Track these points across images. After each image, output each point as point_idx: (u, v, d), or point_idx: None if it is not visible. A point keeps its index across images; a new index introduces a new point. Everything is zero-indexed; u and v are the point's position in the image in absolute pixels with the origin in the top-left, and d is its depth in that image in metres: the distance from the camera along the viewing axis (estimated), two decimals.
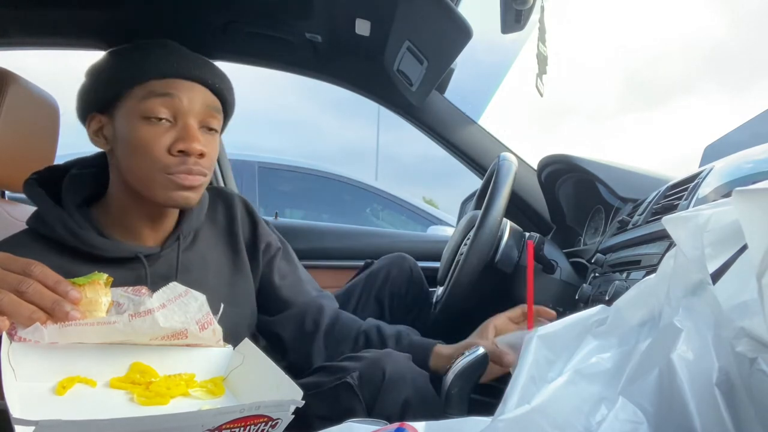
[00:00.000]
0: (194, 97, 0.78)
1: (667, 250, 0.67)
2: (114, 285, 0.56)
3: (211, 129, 0.81)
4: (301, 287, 1.00)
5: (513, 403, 0.40)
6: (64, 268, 0.66)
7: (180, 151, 0.75)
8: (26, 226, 0.79)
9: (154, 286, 0.78)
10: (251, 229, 0.97)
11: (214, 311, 0.56)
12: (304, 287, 1.01)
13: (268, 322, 0.96)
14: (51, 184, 0.79)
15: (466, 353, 0.88)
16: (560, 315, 0.49)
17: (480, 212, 1.11)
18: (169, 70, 0.77)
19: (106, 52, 0.83)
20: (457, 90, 1.54)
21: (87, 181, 0.82)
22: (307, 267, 1.65)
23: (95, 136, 0.80)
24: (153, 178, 0.75)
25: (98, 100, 0.79)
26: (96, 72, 0.80)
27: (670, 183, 0.88)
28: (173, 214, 0.84)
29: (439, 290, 1.29)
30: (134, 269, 0.79)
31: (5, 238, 0.77)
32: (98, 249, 0.76)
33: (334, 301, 1.05)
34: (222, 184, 1.70)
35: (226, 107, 0.86)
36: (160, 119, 0.75)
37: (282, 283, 0.98)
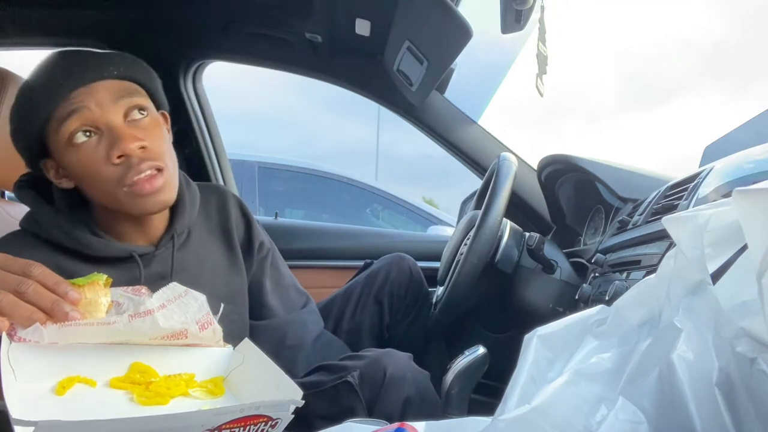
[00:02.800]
0: (100, 97, 0.72)
1: (667, 250, 0.67)
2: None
3: (139, 116, 0.75)
4: (287, 297, 1.01)
5: (513, 403, 0.40)
6: (60, 268, 0.66)
7: (119, 157, 0.71)
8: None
9: (150, 286, 0.78)
10: (246, 228, 0.97)
11: (214, 311, 0.56)
12: (291, 297, 1.01)
13: (250, 325, 0.96)
14: (42, 185, 0.79)
15: (466, 353, 0.88)
16: (560, 315, 0.48)
17: (480, 212, 1.11)
18: (59, 92, 0.71)
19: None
20: (457, 90, 1.54)
21: None
22: (307, 267, 1.67)
23: (58, 180, 0.76)
24: (117, 196, 0.73)
25: (31, 150, 0.76)
26: (10, 128, 0.76)
27: (670, 183, 0.88)
28: (160, 215, 0.82)
29: (439, 290, 1.29)
30: (129, 269, 0.79)
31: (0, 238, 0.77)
32: (92, 249, 0.76)
33: (319, 316, 1.06)
34: (222, 184, 1.70)
35: (144, 82, 0.79)
36: (86, 137, 0.71)
37: (271, 288, 0.98)
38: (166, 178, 0.75)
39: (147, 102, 0.78)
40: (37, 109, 0.72)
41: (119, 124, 0.73)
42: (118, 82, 0.75)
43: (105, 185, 0.72)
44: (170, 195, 0.76)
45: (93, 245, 0.76)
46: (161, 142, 0.77)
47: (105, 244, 0.77)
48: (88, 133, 0.72)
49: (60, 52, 0.76)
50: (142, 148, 0.72)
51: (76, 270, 0.73)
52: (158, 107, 0.82)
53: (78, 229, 0.76)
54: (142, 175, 0.72)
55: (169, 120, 0.86)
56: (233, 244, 0.93)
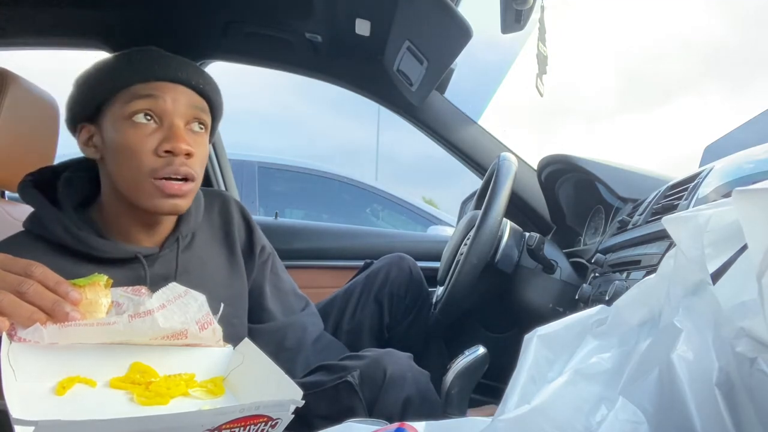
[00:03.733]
0: (178, 98, 0.78)
1: (667, 250, 0.67)
2: (113, 285, 0.56)
3: (198, 130, 0.81)
4: (287, 301, 1.02)
5: (513, 403, 0.40)
6: (63, 269, 0.65)
7: (166, 152, 0.75)
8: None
9: (154, 287, 0.78)
10: (247, 233, 0.98)
11: (214, 312, 0.56)
12: (290, 302, 1.02)
13: (249, 329, 0.96)
14: (46, 186, 0.79)
15: (466, 353, 0.88)
16: (560, 315, 0.48)
17: (480, 212, 1.11)
18: (150, 73, 0.77)
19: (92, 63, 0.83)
20: (457, 90, 1.54)
21: (83, 183, 0.82)
22: (307, 267, 1.67)
23: (85, 146, 0.80)
24: (140, 184, 0.75)
25: (85, 109, 0.79)
26: (81, 81, 0.80)
27: (670, 183, 0.88)
28: (168, 219, 0.84)
29: (439, 290, 1.29)
30: (134, 269, 0.79)
31: (2, 239, 0.77)
32: (97, 250, 0.76)
33: (319, 318, 1.06)
34: (222, 184, 1.70)
35: (213, 109, 0.85)
36: (146, 120, 0.75)
37: (271, 293, 0.99)
38: (192, 190, 0.78)
39: (208, 122, 0.84)
40: (120, 76, 0.77)
41: (180, 125, 0.77)
42: (198, 96, 0.81)
43: (137, 170, 0.75)
44: (186, 205, 0.79)
45: (99, 246, 0.76)
46: (203, 159, 0.81)
47: (111, 246, 0.77)
48: (149, 118, 0.76)
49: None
50: (188, 154, 0.76)
51: (80, 271, 0.73)
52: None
53: (83, 231, 0.76)
54: (176, 176, 0.75)
55: None
56: (235, 249, 0.94)
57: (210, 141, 0.90)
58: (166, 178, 0.75)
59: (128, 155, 0.75)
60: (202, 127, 0.81)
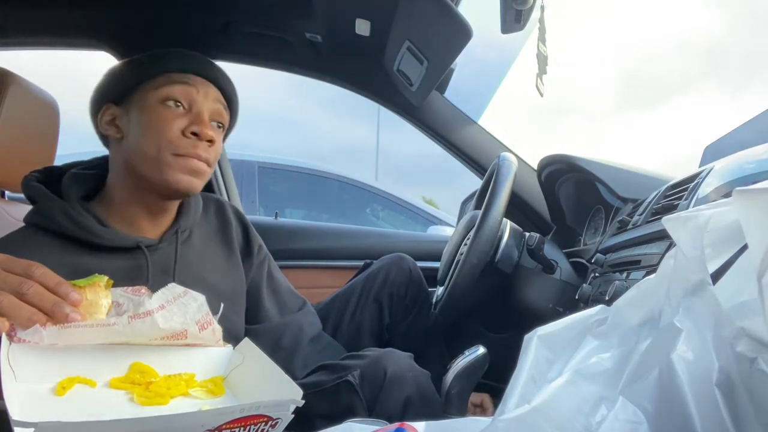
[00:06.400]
0: (208, 92, 0.83)
1: (667, 250, 0.67)
2: (115, 274, 0.56)
3: (219, 126, 0.86)
4: (283, 301, 1.03)
5: (513, 403, 0.40)
6: (65, 261, 0.65)
7: (193, 133, 0.79)
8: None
9: (154, 278, 0.79)
10: (243, 232, 1.00)
11: (213, 310, 0.56)
12: (287, 302, 1.03)
13: (246, 329, 0.96)
14: (49, 183, 0.80)
15: (466, 353, 0.88)
16: (560, 315, 0.48)
17: (480, 212, 1.11)
18: (188, 64, 0.83)
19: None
20: (457, 90, 1.54)
21: (87, 180, 0.83)
22: (307, 267, 1.67)
23: (108, 125, 0.82)
24: (162, 158, 0.78)
25: (116, 91, 0.83)
26: (116, 69, 0.85)
27: (670, 183, 0.88)
28: (172, 210, 0.86)
29: (439, 290, 1.29)
30: (135, 259, 0.80)
31: (3, 236, 0.77)
32: (100, 237, 0.77)
33: (316, 318, 1.07)
34: (222, 184, 1.70)
35: (232, 112, 0.90)
36: (177, 104, 0.80)
37: (267, 292, 1.00)
38: (205, 175, 0.82)
39: (226, 124, 0.89)
40: (160, 61, 0.83)
41: (206, 116, 0.82)
42: (222, 96, 0.87)
43: (159, 147, 0.78)
44: (198, 187, 0.82)
45: (101, 234, 0.77)
46: (217, 155, 0.84)
47: (112, 233, 0.78)
48: (178, 105, 0.80)
49: None
50: (210, 141, 0.81)
51: (82, 261, 0.74)
52: None
53: (86, 219, 0.77)
54: (194, 158, 0.79)
55: None
56: (233, 247, 0.95)
57: (223, 142, 0.92)
58: (187, 156, 0.78)
59: (155, 131, 0.78)
60: (221, 126, 0.86)
